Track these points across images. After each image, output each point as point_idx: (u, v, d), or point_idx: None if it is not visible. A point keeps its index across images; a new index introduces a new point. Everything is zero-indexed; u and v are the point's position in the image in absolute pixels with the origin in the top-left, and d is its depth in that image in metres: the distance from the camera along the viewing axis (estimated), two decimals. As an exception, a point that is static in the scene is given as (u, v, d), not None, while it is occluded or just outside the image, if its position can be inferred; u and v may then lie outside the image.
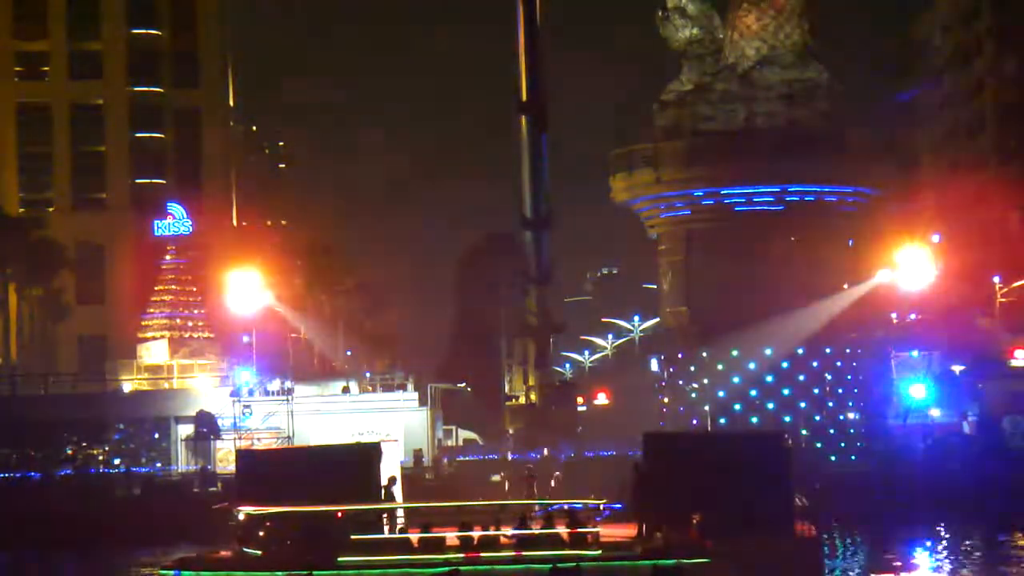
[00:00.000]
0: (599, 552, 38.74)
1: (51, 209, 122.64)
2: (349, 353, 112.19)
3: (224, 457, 79.19)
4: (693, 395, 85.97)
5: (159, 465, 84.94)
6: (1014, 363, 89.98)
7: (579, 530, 39.47)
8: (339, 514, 39.83)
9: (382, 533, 40.95)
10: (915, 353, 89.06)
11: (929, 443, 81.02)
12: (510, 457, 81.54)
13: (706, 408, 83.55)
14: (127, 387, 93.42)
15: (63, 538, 68.17)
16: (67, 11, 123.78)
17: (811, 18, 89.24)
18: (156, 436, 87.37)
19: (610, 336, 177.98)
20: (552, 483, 72.76)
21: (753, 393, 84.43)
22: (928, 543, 63.97)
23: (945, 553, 60.81)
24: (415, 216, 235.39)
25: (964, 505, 70.71)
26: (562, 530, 39.82)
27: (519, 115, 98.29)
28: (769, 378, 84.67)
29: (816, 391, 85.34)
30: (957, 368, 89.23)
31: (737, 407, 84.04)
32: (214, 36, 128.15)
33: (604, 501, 42.86)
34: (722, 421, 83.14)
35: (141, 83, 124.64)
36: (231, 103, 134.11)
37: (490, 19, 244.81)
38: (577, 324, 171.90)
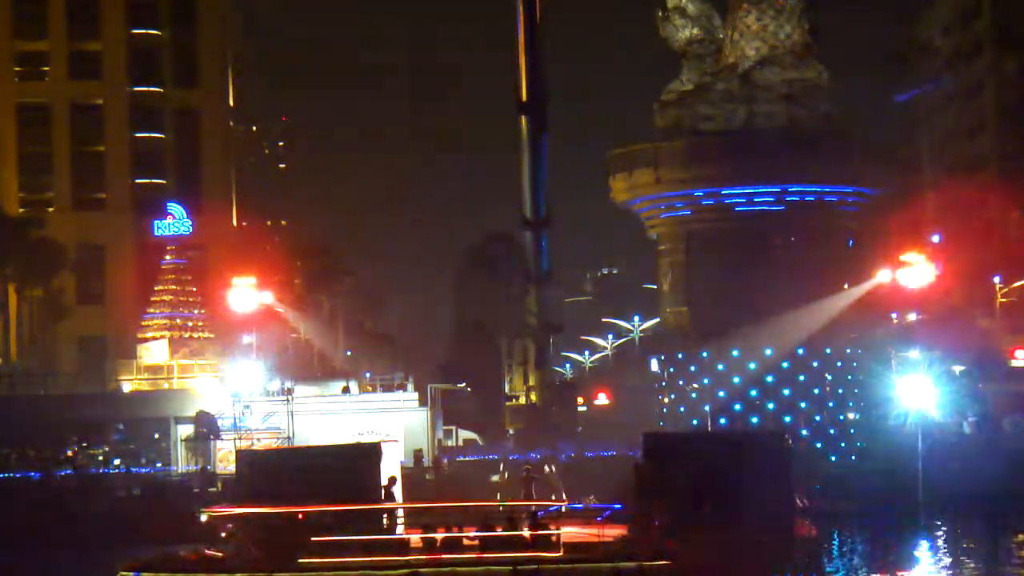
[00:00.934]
0: (560, 553, 38.75)
1: (51, 209, 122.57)
2: (349, 353, 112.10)
3: (224, 457, 79.11)
4: (693, 395, 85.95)
5: (159, 465, 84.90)
6: (1014, 363, 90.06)
7: (541, 531, 39.46)
8: (300, 516, 39.86)
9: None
10: (915, 353, 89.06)
11: (929, 443, 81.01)
12: (510, 457, 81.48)
13: (706, 408, 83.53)
14: (127, 387, 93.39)
15: (63, 538, 68.12)
16: (67, 11, 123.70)
17: (811, 18, 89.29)
18: (156, 436, 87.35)
19: (610, 336, 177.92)
20: (546, 471, 72.85)
21: (753, 393, 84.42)
22: (928, 543, 63.96)
23: (945, 553, 60.80)
24: (415, 216, 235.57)
25: (964, 505, 70.69)
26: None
27: (519, 115, 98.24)
28: (769, 378, 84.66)
29: (816, 391, 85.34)
30: (957, 368, 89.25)
31: (737, 407, 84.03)
32: (214, 36, 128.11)
33: (565, 503, 42.77)
34: (722, 421, 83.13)
35: (141, 83, 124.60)
36: (231, 103, 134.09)
37: (490, 19, 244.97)
38: (577, 324, 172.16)
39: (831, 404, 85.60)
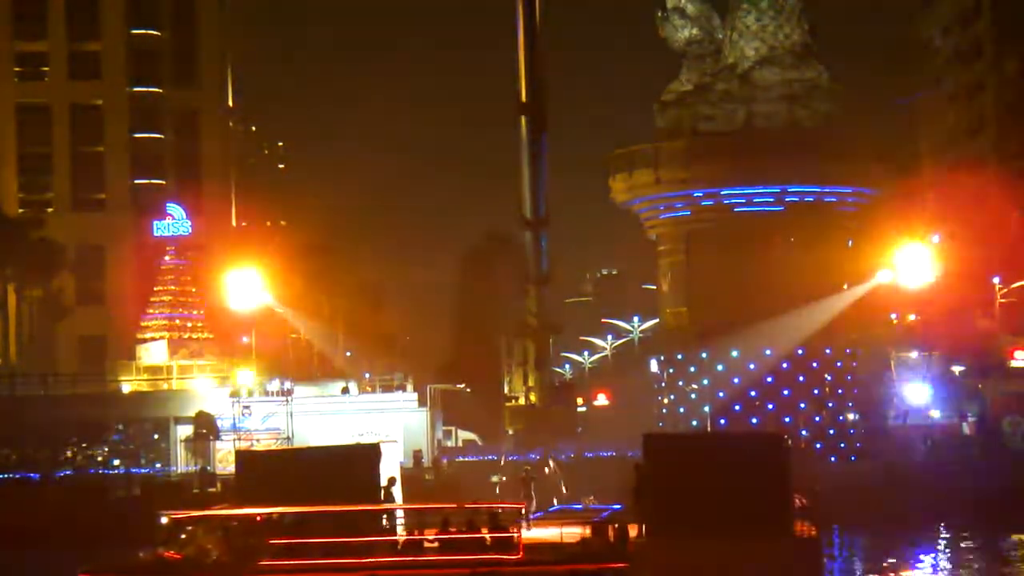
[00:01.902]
0: (519, 555, 38.76)
1: (50, 209, 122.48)
2: (349, 353, 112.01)
3: (224, 458, 79.05)
4: (693, 395, 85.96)
5: (159, 466, 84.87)
6: (1014, 363, 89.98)
7: (501, 533, 39.47)
8: (259, 518, 39.86)
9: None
10: (915, 353, 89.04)
11: (929, 444, 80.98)
12: (509, 458, 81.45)
13: (706, 408, 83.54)
14: (126, 388, 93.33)
15: (63, 538, 68.05)
16: (66, 11, 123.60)
17: (811, 18, 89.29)
18: (155, 437, 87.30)
19: (610, 337, 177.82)
20: (547, 470, 72.84)
21: (753, 393, 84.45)
22: (928, 543, 63.92)
23: (945, 553, 60.76)
24: (415, 216, 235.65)
25: (964, 505, 70.65)
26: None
27: (519, 115, 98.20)
28: (769, 379, 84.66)
29: (816, 392, 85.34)
30: (957, 368, 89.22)
31: (737, 407, 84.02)
32: (214, 36, 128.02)
33: (523, 505, 42.67)
34: (722, 421, 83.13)
35: (140, 83, 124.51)
36: (231, 103, 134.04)
37: (490, 19, 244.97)
38: (577, 324, 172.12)
39: (831, 405, 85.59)
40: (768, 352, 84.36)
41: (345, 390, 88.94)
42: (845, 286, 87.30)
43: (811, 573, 40.96)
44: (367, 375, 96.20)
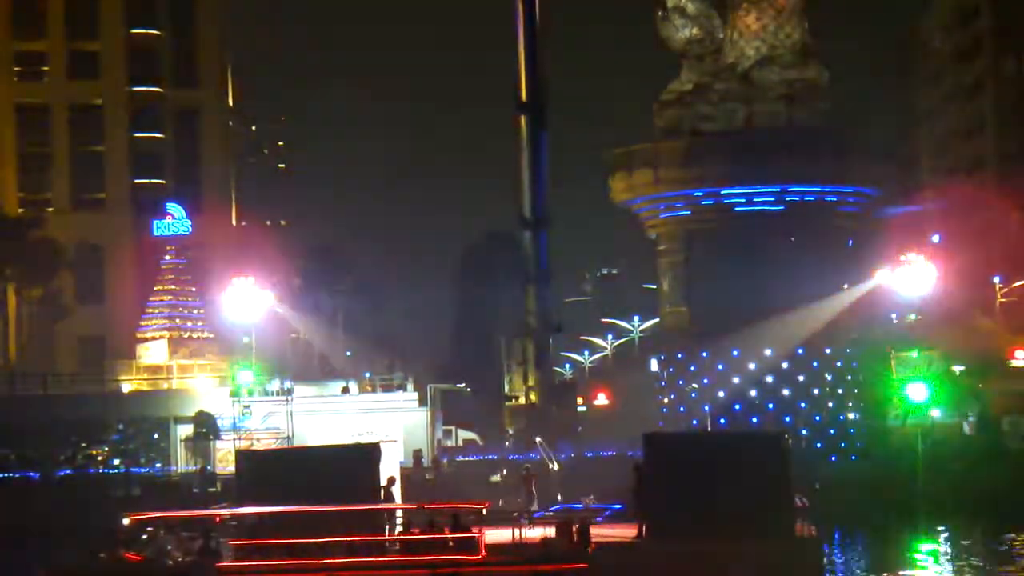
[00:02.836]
0: (480, 556, 38.80)
1: (50, 209, 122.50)
2: (349, 353, 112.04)
3: (224, 457, 79.11)
4: (693, 395, 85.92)
5: (159, 465, 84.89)
6: (1014, 363, 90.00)
7: (463, 534, 39.50)
8: (217, 519, 39.92)
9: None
10: (915, 353, 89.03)
11: (929, 444, 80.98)
12: (509, 457, 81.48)
13: (706, 408, 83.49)
14: (126, 387, 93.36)
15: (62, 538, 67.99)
16: (66, 11, 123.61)
17: (811, 18, 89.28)
18: (155, 436, 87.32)
19: (610, 336, 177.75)
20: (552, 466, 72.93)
21: (753, 393, 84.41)
22: (928, 543, 63.93)
23: (945, 553, 60.77)
24: (415, 216, 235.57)
25: (964, 505, 70.66)
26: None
27: (519, 115, 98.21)
28: (769, 378, 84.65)
29: (816, 391, 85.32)
30: (957, 368, 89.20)
31: (737, 407, 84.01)
32: (214, 36, 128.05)
33: (486, 505, 42.70)
34: (722, 421, 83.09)
35: (140, 83, 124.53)
36: (231, 103, 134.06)
37: (490, 19, 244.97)
38: (577, 324, 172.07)
39: (831, 404, 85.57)
40: (768, 352, 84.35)
41: (345, 390, 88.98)
42: (845, 286, 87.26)
43: (811, 573, 40.97)
44: (367, 375, 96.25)
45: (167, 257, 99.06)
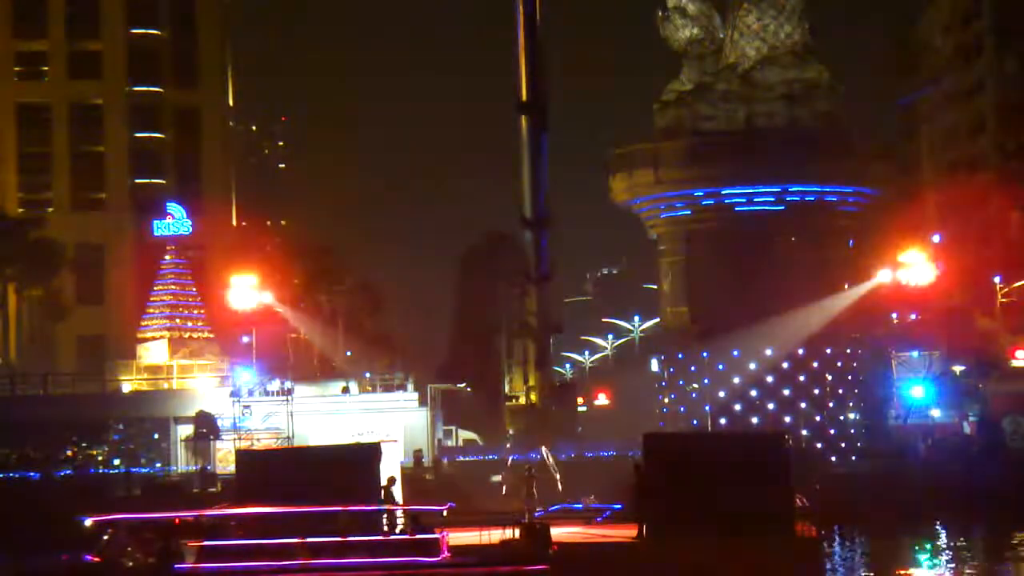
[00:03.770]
0: (440, 558, 38.84)
1: (50, 209, 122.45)
2: (349, 353, 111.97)
3: (224, 457, 79.06)
4: (693, 395, 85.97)
5: (159, 465, 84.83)
6: (1014, 363, 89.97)
7: (423, 536, 39.51)
8: (177, 520, 39.99)
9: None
10: (915, 353, 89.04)
11: (929, 443, 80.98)
12: (511, 458, 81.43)
13: (706, 408, 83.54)
14: (126, 387, 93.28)
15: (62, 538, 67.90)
16: (66, 11, 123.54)
17: (812, 18, 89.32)
18: (156, 436, 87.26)
19: (610, 336, 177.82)
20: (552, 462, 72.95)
21: (754, 393, 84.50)
22: (928, 543, 63.91)
23: (945, 553, 60.76)
24: (415, 216, 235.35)
25: (964, 505, 70.63)
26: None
27: (519, 115, 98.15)
28: (769, 378, 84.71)
29: (816, 391, 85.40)
30: (957, 368, 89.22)
31: (737, 407, 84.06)
32: (214, 36, 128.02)
33: (447, 506, 42.69)
34: (722, 421, 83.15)
35: (141, 83, 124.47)
36: (231, 103, 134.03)
37: (491, 19, 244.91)
38: (577, 324, 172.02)
39: (831, 404, 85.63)
40: (768, 352, 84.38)
41: (345, 390, 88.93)
42: (845, 286, 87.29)
43: (811, 573, 40.99)
44: (367, 375, 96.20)
45: (167, 257, 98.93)
